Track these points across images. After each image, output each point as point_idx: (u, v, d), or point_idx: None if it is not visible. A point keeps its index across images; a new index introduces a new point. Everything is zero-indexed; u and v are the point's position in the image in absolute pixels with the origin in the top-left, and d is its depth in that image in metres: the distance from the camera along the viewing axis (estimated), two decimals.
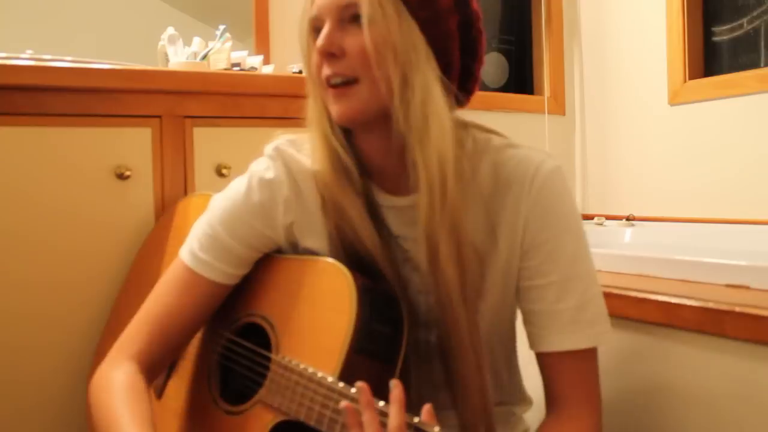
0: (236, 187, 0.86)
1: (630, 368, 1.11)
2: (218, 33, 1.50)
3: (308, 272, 0.81)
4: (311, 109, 0.81)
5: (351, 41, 0.74)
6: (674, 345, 1.02)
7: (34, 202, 1.12)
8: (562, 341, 0.79)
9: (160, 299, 0.85)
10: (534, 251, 0.80)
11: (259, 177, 0.84)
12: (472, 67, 0.82)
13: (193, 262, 0.84)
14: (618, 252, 1.42)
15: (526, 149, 0.83)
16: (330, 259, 0.79)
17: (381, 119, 0.76)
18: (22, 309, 1.11)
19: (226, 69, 1.46)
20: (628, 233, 2.02)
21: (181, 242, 0.87)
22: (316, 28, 0.77)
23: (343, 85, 0.75)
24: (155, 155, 1.22)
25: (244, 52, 1.54)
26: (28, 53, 1.17)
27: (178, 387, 0.92)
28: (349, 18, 0.74)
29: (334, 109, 0.76)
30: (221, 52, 1.47)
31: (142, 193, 1.21)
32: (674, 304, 1.01)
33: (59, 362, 1.13)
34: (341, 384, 0.69)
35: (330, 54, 0.74)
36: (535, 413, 0.85)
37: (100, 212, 1.17)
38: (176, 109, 1.24)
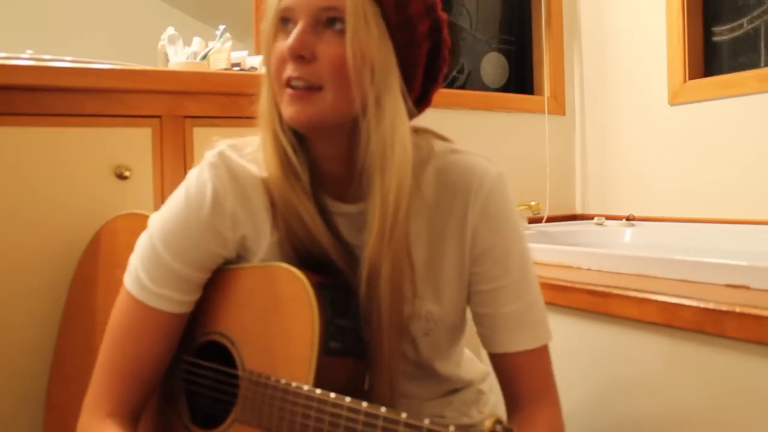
0: (176, 204, 0.80)
1: (630, 368, 1.11)
2: (218, 33, 1.50)
3: (261, 281, 0.78)
4: (263, 104, 0.78)
5: (325, 48, 0.71)
6: (674, 345, 1.02)
7: (34, 201, 1.11)
8: (513, 342, 0.81)
9: (119, 345, 0.80)
10: (483, 257, 0.81)
11: (200, 191, 0.79)
12: (429, 91, 0.82)
13: (144, 295, 0.78)
14: (618, 252, 1.42)
15: (468, 155, 0.83)
16: (281, 264, 0.76)
17: (336, 130, 0.75)
18: (22, 308, 1.10)
19: (226, 69, 1.46)
20: (628, 233, 2.02)
21: (114, 267, 0.80)
22: (283, 19, 0.73)
23: (305, 89, 0.71)
24: (155, 155, 1.22)
25: (244, 52, 1.54)
26: (28, 53, 1.16)
27: (144, 420, 0.86)
28: (326, 21, 0.71)
29: (289, 110, 0.72)
30: (221, 52, 1.47)
31: (142, 193, 1.21)
32: (674, 304, 1.01)
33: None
34: (318, 391, 0.67)
35: (299, 56, 0.71)
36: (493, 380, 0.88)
37: (100, 212, 1.17)
38: (176, 109, 1.24)
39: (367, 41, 0.70)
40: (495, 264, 0.81)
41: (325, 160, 0.80)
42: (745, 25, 1.99)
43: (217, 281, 0.82)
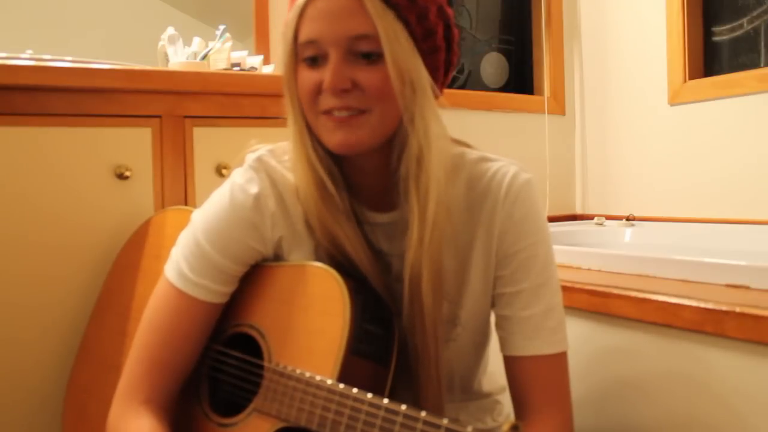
0: (220, 201, 0.83)
1: (630, 368, 1.11)
2: (218, 33, 1.50)
3: (296, 278, 0.80)
4: (293, 130, 0.79)
5: (366, 76, 0.72)
6: (674, 345, 1.02)
7: (33, 202, 1.11)
8: (528, 346, 0.82)
9: (156, 331, 0.81)
10: (507, 261, 0.82)
11: (244, 190, 0.81)
12: (451, 61, 0.83)
13: (184, 284, 0.80)
14: (618, 252, 1.42)
15: (499, 162, 0.84)
16: (318, 264, 0.79)
17: (379, 145, 0.77)
18: (22, 308, 1.10)
19: (226, 69, 1.46)
20: (628, 233, 2.02)
21: (157, 259, 0.83)
22: (308, 52, 0.73)
23: (350, 115, 0.73)
24: (155, 155, 1.22)
25: (244, 52, 1.54)
26: (28, 53, 1.16)
27: None
28: (360, 50, 0.72)
29: (336, 138, 0.74)
30: (221, 52, 1.47)
31: (142, 193, 1.21)
32: (674, 304, 1.01)
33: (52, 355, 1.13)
34: (341, 386, 0.68)
35: (342, 90, 0.72)
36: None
37: (99, 212, 1.17)
38: (176, 109, 1.24)
39: (404, 60, 0.72)
40: (518, 268, 0.82)
41: (362, 174, 0.81)
42: (745, 25, 1.99)
43: (252, 276, 0.85)
